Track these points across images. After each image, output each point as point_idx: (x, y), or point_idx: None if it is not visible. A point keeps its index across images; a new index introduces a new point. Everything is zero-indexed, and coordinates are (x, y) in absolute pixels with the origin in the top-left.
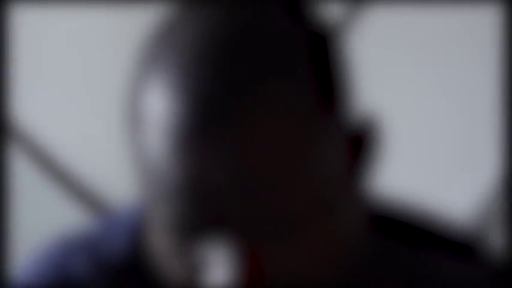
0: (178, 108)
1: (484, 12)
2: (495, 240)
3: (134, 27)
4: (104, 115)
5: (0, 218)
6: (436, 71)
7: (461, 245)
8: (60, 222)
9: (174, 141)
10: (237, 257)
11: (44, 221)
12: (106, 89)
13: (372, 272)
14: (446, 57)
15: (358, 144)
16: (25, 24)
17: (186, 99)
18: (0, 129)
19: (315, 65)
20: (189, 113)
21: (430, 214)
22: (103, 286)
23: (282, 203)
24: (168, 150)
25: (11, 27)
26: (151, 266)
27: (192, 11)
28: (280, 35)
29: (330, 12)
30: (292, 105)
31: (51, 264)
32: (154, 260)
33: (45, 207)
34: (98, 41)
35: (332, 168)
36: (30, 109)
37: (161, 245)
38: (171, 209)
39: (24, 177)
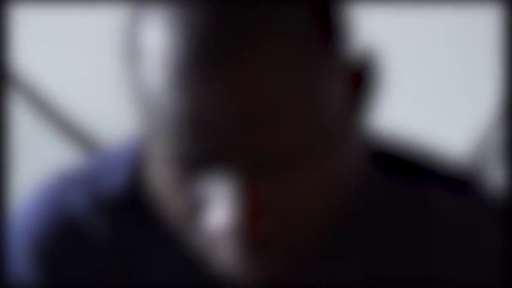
0: (177, 41)
1: (484, 12)
2: (494, 174)
3: None
4: (100, 56)
5: (0, 164)
6: (436, 71)
7: (459, 179)
8: (59, 165)
9: (172, 74)
10: (236, 192)
11: (42, 166)
12: (103, 30)
13: (371, 206)
14: (446, 57)
15: (358, 79)
16: None
17: (185, 32)
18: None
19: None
20: (188, 46)
21: (428, 150)
22: (101, 221)
23: (281, 137)
24: (167, 83)
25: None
26: (150, 201)
27: None
28: None
29: None
30: (292, 38)
31: (49, 201)
32: (153, 195)
33: (44, 151)
34: None
35: (332, 102)
36: (29, 55)
37: (161, 180)
38: (170, 143)
39: (23, 121)
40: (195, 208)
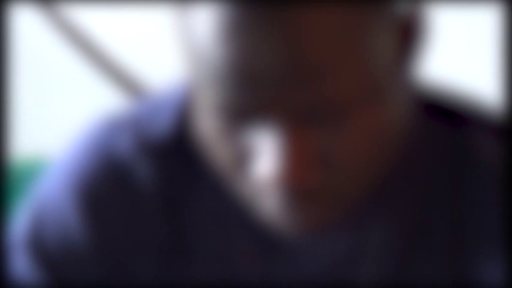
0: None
1: (484, 12)
2: None
3: None
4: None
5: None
6: (435, 71)
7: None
8: (107, 110)
9: (223, 24)
10: (282, 142)
11: (91, 110)
12: None
13: (418, 152)
14: (447, 57)
15: (407, 32)
16: None
17: None
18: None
19: None
20: (241, 3)
21: (472, 100)
22: (147, 165)
23: (331, 88)
24: (217, 33)
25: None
26: (197, 148)
27: None
28: None
29: None
30: None
31: (96, 143)
32: (200, 143)
33: (93, 96)
34: None
35: (382, 55)
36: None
37: (208, 128)
38: (218, 93)
39: (74, 67)
40: (242, 157)
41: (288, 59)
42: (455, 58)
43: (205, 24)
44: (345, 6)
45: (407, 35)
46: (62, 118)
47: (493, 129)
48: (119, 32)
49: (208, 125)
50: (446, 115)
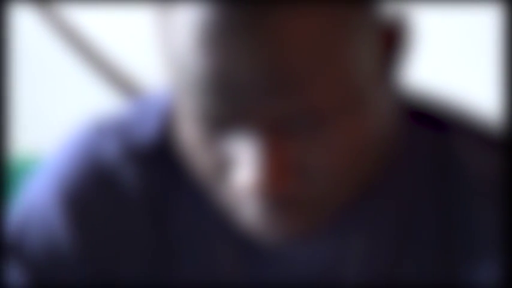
0: (209, 5)
1: (484, 12)
2: None
3: None
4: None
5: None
6: (435, 70)
7: (488, 135)
8: (98, 110)
9: (202, 33)
10: (261, 151)
11: (83, 110)
12: None
13: (402, 159)
14: (446, 57)
15: (390, 41)
16: None
17: None
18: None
19: None
20: (219, 6)
21: (458, 106)
22: (132, 171)
23: (310, 97)
24: (196, 42)
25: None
26: (179, 155)
27: None
28: None
29: None
30: (323, 1)
31: (83, 148)
32: (182, 150)
33: (80, 91)
34: None
35: (364, 63)
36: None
37: (189, 136)
38: (198, 102)
39: (68, 65)
40: (222, 165)
41: (266, 68)
42: (455, 58)
43: (183, 32)
44: (325, 14)
45: (391, 42)
46: (57, 117)
47: (480, 136)
48: (115, 32)
49: (189, 133)
50: (430, 121)
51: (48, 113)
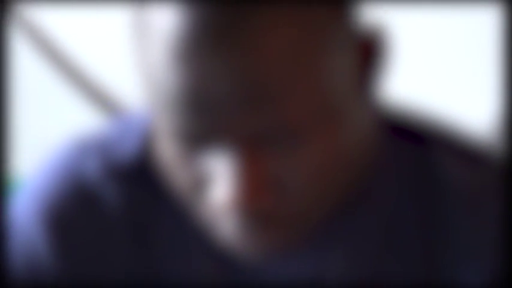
0: (182, 18)
1: (484, 12)
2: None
3: None
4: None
5: (8, 124)
6: (435, 71)
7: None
8: (80, 129)
9: (176, 50)
10: (237, 167)
11: (65, 128)
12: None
13: (381, 173)
14: (446, 57)
15: (367, 53)
16: None
17: (190, 8)
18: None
19: None
20: (192, 22)
21: (439, 121)
22: (114, 189)
23: (285, 112)
24: (170, 60)
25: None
26: (159, 172)
27: None
28: None
29: None
30: (298, 13)
31: (64, 167)
32: (162, 167)
33: (61, 110)
34: None
35: (340, 76)
36: (56, 20)
37: (167, 153)
38: (174, 119)
39: (35, 76)
40: (200, 182)
41: (240, 83)
42: (455, 58)
43: (158, 44)
44: (300, 28)
45: (369, 53)
46: (38, 136)
47: (460, 149)
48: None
49: (166, 150)
50: (410, 135)
51: (30, 132)
